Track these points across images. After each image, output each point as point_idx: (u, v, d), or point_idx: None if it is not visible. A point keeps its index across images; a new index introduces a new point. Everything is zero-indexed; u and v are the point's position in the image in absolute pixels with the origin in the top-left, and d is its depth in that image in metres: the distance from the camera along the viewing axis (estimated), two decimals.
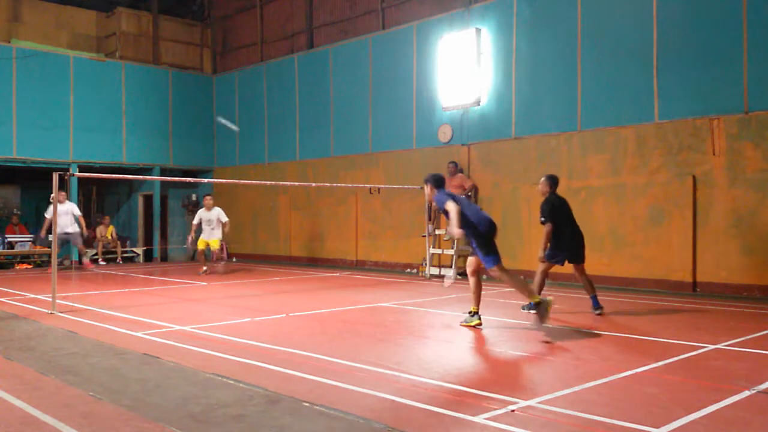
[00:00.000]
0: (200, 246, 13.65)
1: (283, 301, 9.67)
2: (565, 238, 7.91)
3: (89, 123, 16.88)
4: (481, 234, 6.87)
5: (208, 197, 13.81)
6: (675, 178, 10.38)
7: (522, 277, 8.83)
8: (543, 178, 8.21)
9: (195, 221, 13.65)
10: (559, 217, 7.90)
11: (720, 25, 10.05)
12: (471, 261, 7.19)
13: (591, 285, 8.02)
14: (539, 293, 7.69)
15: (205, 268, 13.56)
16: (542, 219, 7.92)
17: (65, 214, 13.59)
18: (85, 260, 14.86)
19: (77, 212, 14.08)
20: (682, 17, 10.44)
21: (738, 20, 9.85)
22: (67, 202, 14.01)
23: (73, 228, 13.86)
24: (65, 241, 13.96)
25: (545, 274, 8.10)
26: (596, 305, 7.89)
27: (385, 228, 14.83)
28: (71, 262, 16.67)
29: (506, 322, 7.53)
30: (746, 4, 9.78)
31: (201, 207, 13.95)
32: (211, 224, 13.52)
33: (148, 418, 3.93)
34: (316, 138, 16.48)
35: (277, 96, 17.56)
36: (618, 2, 11.20)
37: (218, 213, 13.59)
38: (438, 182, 7.22)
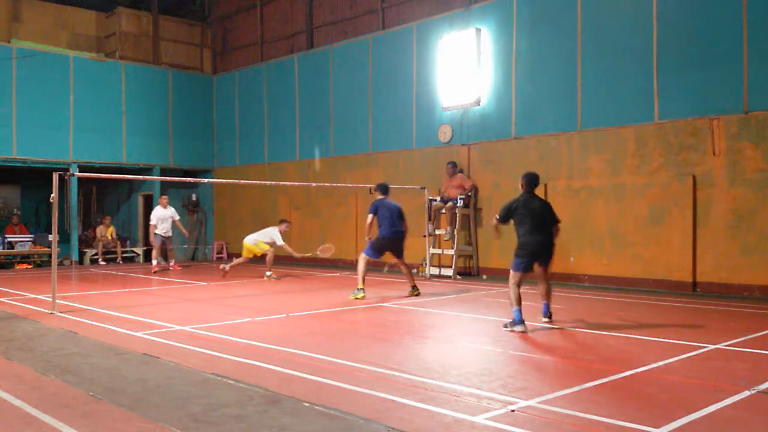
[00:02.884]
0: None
1: (283, 301, 9.67)
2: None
3: (89, 123, 16.88)
4: (381, 236, 9.68)
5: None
6: (675, 178, 10.38)
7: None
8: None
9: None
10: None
11: (720, 25, 10.05)
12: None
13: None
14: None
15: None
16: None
17: (168, 219, 14.54)
18: (173, 262, 15.22)
19: (177, 217, 14.82)
20: (682, 17, 10.44)
21: (738, 20, 9.85)
22: (169, 207, 14.77)
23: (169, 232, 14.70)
24: (164, 242, 14.81)
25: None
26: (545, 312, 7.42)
27: None
28: (71, 262, 16.68)
29: (506, 322, 7.52)
30: (746, 4, 9.78)
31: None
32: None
33: (148, 418, 3.93)
34: (316, 138, 16.48)
35: (277, 96, 17.56)
36: (618, 2, 11.19)
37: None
38: (382, 190, 10.00)
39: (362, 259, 9.64)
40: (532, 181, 7.47)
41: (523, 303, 6.91)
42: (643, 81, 10.79)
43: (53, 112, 16.36)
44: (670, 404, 4.19)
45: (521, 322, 6.77)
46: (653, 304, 8.88)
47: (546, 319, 7.32)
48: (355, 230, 15.43)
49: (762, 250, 9.54)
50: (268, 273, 13.06)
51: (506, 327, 6.92)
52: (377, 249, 9.71)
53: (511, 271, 7.12)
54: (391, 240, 9.69)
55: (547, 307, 7.37)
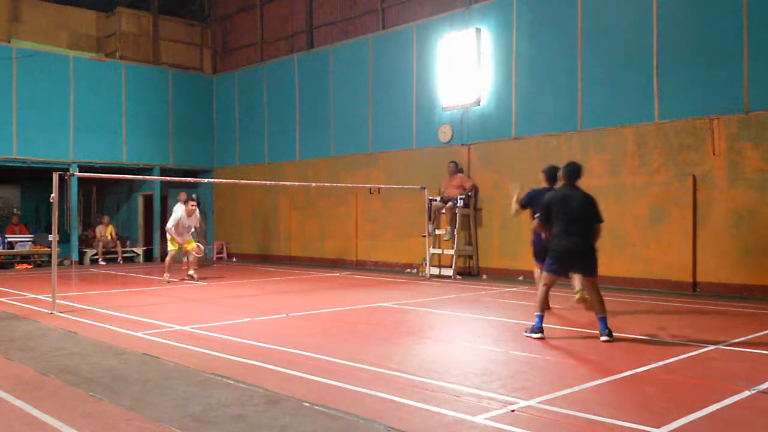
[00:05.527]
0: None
1: (283, 301, 9.67)
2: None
3: (89, 123, 16.87)
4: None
5: (192, 202, 12.88)
6: (675, 178, 10.38)
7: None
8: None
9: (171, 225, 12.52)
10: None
11: (720, 25, 10.05)
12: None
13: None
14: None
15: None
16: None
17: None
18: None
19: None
20: (682, 17, 10.44)
21: (738, 20, 9.85)
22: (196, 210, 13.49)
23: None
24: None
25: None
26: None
27: (385, 228, 14.83)
28: (71, 262, 16.68)
29: (506, 322, 7.53)
30: (746, 4, 9.78)
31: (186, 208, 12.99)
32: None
33: (148, 418, 3.93)
34: (316, 138, 16.48)
35: (277, 96, 17.56)
36: (618, 2, 11.19)
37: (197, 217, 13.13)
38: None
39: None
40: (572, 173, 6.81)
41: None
42: (643, 81, 10.78)
43: (53, 112, 16.36)
44: (670, 404, 4.19)
45: (539, 329, 6.34)
46: (653, 304, 8.88)
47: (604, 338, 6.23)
48: (355, 230, 15.43)
49: (762, 250, 9.54)
50: (190, 272, 12.29)
51: (526, 332, 6.47)
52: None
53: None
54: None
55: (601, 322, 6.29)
